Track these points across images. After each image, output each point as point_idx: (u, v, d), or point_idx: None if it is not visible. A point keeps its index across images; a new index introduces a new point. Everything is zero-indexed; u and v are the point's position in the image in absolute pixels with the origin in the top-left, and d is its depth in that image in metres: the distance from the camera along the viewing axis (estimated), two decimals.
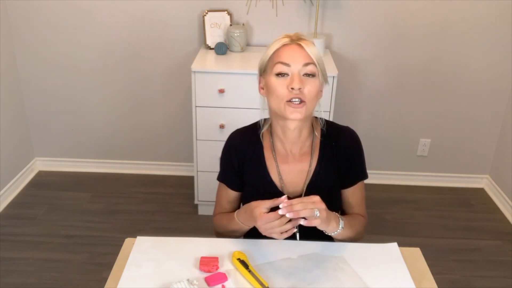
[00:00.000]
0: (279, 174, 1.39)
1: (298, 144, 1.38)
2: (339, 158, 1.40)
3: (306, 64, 1.24)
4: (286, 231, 1.20)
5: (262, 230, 1.21)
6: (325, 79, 1.31)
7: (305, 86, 1.24)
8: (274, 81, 1.26)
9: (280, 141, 1.39)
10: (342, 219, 1.29)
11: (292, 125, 1.32)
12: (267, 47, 1.31)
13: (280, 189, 1.40)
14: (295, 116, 1.25)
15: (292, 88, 1.23)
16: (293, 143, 1.38)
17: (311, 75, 1.25)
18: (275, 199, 1.21)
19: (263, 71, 1.32)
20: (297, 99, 1.24)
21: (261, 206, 1.21)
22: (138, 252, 1.30)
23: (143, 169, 3.24)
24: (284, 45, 1.27)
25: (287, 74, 1.25)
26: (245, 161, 1.42)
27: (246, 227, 1.33)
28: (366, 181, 1.48)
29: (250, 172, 1.42)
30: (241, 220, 1.33)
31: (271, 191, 1.39)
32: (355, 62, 2.89)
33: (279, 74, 1.25)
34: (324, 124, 1.41)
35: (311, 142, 1.40)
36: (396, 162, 3.14)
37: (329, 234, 1.29)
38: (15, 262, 2.39)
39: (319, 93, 1.30)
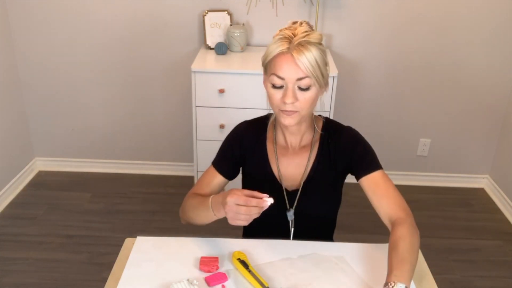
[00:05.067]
0: (278, 166, 1.41)
1: (298, 137, 1.39)
2: (337, 155, 1.39)
3: (300, 79, 1.22)
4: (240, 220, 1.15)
5: (228, 209, 1.16)
6: (324, 84, 1.27)
7: (298, 99, 1.24)
8: (270, 89, 1.27)
9: (282, 133, 1.41)
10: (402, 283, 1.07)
11: None
12: (272, 42, 1.26)
13: (279, 181, 1.41)
14: (288, 122, 1.28)
15: (285, 102, 1.24)
16: (292, 134, 1.39)
17: (305, 88, 1.24)
18: (256, 192, 1.17)
19: (264, 68, 1.31)
20: (289, 111, 1.26)
21: (241, 190, 1.18)
22: (138, 252, 1.30)
23: (143, 169, 3.24)
24: (281, 53, 1.22)
25: (282, 86, 1.24)
26: (246, 152, 1.43)
27: (212, 213, 1.26)
28: None
29: (251, 163, 1.44)
30: (213, 202, 1.25)
31: (271, 183, 1.41)
32: (355, 62, 2.89)
33: (274, 86, 1.25)
34: (325, 121, 1.42)
35: (312, 137, 1.41)
36: (396, 162, 3.14)
37: None
38: (15, 262, 2.39)
39: (315, 100, 1.29)
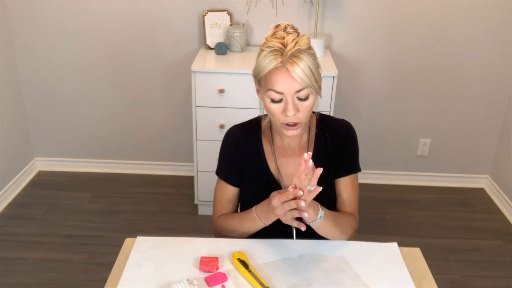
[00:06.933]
0: (277, 167, 1.42)
1: (296, 139, 1.41)
2: (333, 148, 1.42)
3: (299, 91, 1.22)
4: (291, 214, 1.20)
5: (279, 209, 1.20)
6: (319, 89, 1.27)
7: (299, 109, 1.24)
8: (269, 104, 1.26)
9: (279, 135, 1.41)
10: (322, 209, 1.25)
11: None
12: (260, 51, 1.25)
13: (278, 182, 1.41)
14: (291, 134, 1.29)
15: (287, 115, 1.24)
16: (291, 138, 1.40)
17: (304, 98, 1.24)
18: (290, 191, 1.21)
19: (258, 81, 1.30)
20: (292, 123, 1.26)
21: (277, 191, 1.23)
22: (138, 252, 1.30)
23: (143, 169, 3.24)
24: (275, 67, 1.20)
25: (281, 99, 1.24)
26: (244, 155, 1.44)
27: (260, 223, 1.31)
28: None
29: (249, 166, 1.44)
30: (259, 212, 1.30)
31: (270, 184, 1.41)
32: (355, 62, 2.89)
33: (273, 101, 1.25)
34: (318, 118, 1.44)
35: (308, 136, 1.43)
36: (396, 162, 3.14)
37: (308, 224, 1.26)
38: (15, 262, 2.39)
39: (313, 106, 1.29)
